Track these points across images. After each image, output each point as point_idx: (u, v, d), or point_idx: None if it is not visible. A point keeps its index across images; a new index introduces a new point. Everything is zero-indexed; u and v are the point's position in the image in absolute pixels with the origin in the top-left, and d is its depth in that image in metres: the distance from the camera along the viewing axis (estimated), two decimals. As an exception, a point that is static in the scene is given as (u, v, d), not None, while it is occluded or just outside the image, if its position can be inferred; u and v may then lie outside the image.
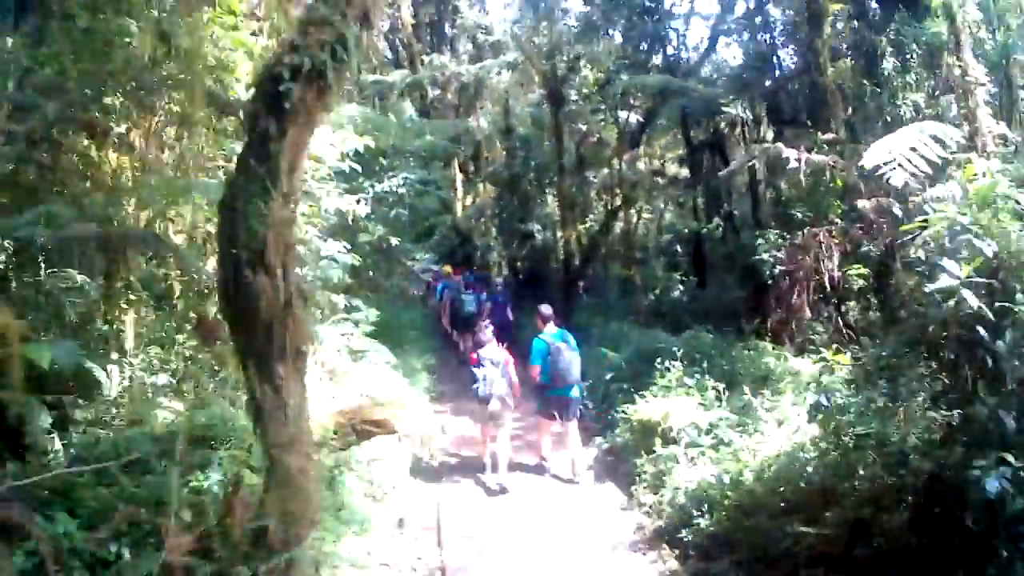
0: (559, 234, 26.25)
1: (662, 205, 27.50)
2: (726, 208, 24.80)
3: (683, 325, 17.04)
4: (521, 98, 30.20)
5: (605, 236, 21.58)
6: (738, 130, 25.58)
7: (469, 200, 34.73)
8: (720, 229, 22.75)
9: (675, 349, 12.36)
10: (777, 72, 18.91)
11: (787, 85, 18.64)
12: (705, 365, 12.06)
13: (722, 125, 26.52)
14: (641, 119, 26.83)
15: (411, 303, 24.13)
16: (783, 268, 13.71)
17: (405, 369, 14.99)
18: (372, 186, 14.80)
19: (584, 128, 26.84)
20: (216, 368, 9.30)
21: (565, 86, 22.14)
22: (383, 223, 15.98)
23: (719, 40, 24.73)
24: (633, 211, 24.25)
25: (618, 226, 22.92)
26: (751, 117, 20.68)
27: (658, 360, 12.58)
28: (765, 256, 14.08)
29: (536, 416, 11.71)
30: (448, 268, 23.56)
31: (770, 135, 19.37)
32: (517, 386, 11.13)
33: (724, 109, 18.72)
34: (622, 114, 25.78)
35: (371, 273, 18.07)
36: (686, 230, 23.25)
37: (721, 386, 11.29)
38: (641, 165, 27.21)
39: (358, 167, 11.88)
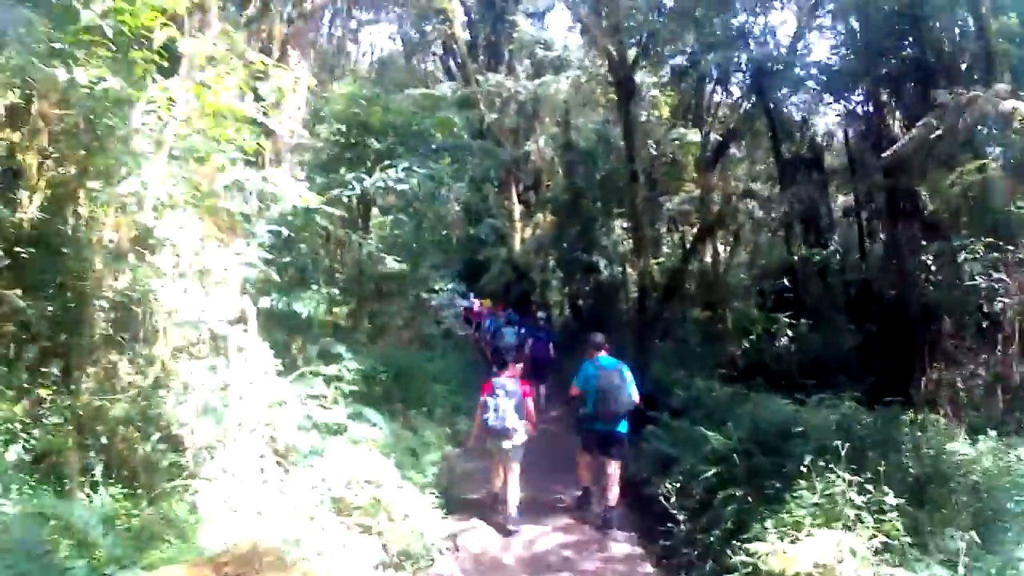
0: (628, 269, 21.20)
1: (750, 234, 21.87)
2: (828, 232, 19.65)
3: (791, 383, 12.04)
4: (584, 116, 25.46)
5: (686, 270, 15.76)
6: (839, 138, 20.57)
7: (528, 233, 29.94)
8: (837, 256, 17.43)
9: (837, 443, 6.90)
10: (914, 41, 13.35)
11: (924, 59, 13.20)
12: (882, 467, 6.70)
13: (819, 136, 21.62)
14: (720, 136, 21.90)
15: (444, 347, 19.26)
16: (1005, 299, 8.35)
17: (413, 443, 10.13)
18: (359, 180, 9.82)
19: (655, 150, 21.94)
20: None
21: (637, 73, 16.92)
22: (385, 238, 11.10)
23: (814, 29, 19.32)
24: (718, 242, 19.07)
25: (701, 259, 17.55)
26: (871, 110, 15.50)
27: (793, 449, 7.53)
28: (978, 280, 8.71)
29: (578, 451, 10.28)
30: (488, 302, 21.15)
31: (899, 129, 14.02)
32: (531, 418, 9.80)
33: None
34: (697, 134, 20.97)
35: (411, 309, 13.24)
36: (795, 258, 17.58)
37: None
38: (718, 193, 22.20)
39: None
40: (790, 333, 14.74)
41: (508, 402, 9.28)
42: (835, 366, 14.44)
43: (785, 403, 10.24)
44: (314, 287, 9.32)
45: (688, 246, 15.96)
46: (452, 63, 32.80)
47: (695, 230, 21.42)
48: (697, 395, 13.23)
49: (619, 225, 22.43)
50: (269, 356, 8.95)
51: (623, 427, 9.62)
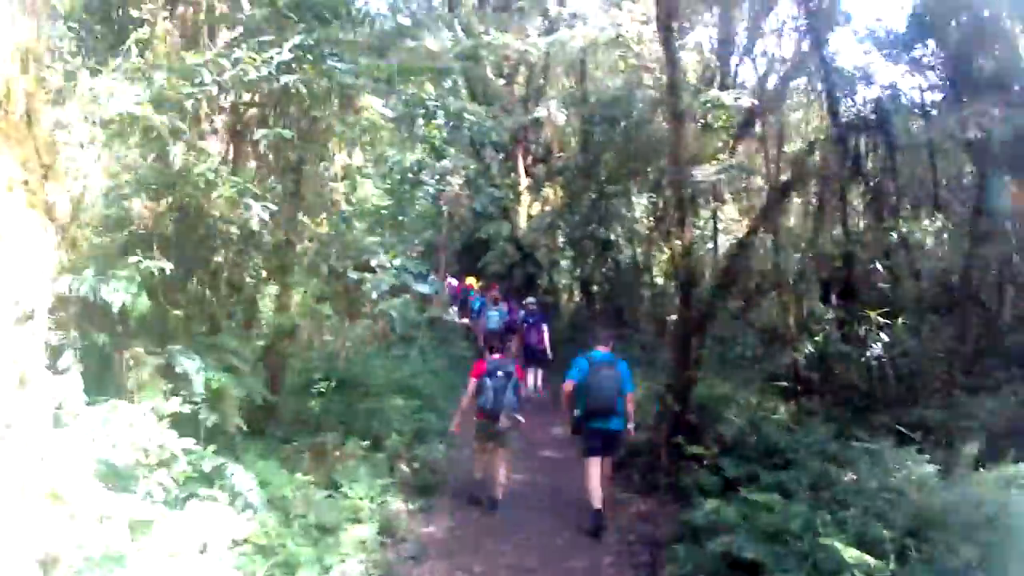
0: (651, 249, 16.87)
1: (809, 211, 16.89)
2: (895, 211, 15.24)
3: (876, 406, 8.22)
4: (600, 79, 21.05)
5: (750, 250, 10.62)
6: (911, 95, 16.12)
7: (536, 209, 25.72)
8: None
9: None
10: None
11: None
12: None
13: (885, 95, 17.09)
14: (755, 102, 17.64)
15: (428, 338, 15.25)
16: None
17: (325, 512, 6.01)
18: (216, 66, 5.34)
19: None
20: None
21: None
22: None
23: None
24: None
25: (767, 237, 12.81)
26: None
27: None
28: None
29: (581, 457, 8.49)
30: (473, 279, 19.49)
31: None
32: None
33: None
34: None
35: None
36: (865, 238, 13.06)
37: None
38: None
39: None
40: (883, 337, 10.34)
41: (506, 382, 8.41)
42: (928, 385, 10.33)
43: (921, 459, 6.12)
44: (133, 260, 5.12)
45: (756, 216, 11.01)
46: (457, 25, 28.41)
47: (724, 205, 17.14)
48: (754, 422, 9.16)
49: (639, 201, 17.98)
50: (71, 380, 4.96)
51: (618, 424, 8.30)
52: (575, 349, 14.16)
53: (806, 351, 11.43)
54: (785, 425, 9.47)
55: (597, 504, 7.98)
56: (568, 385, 8.36)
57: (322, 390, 9.24)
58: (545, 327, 15.06)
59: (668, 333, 15.78)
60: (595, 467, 8.19)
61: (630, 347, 14.69)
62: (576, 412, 8.43)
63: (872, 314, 10.38)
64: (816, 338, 11.61)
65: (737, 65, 20.43)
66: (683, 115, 10.08)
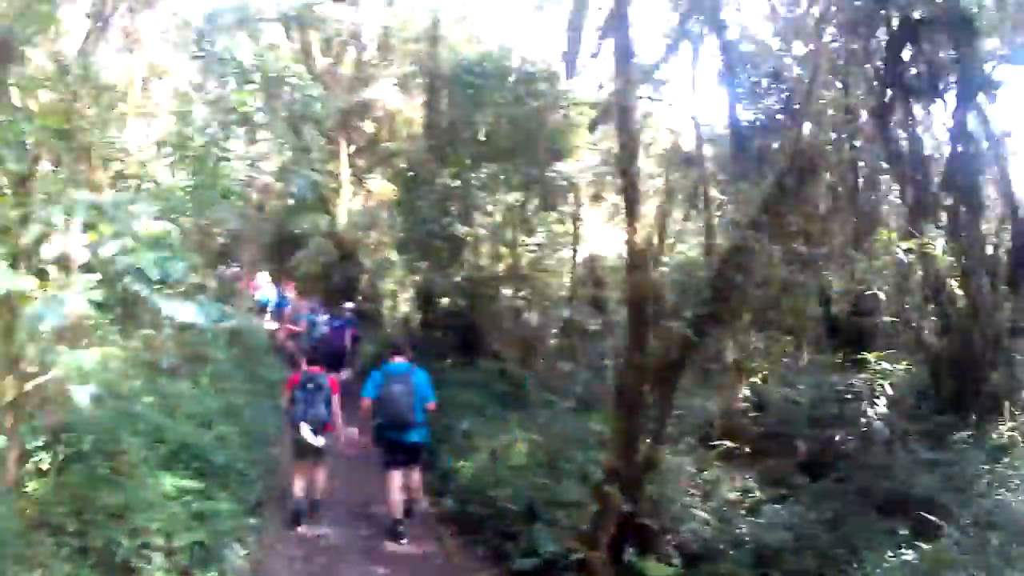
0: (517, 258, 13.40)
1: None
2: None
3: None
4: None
5: (744, 266, 6.96)
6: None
7: (361, 204, 21.97)
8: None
9: None
10: None
11: None
12: None
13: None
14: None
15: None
16: None
17: None
18: None
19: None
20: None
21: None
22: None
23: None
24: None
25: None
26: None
27: None
28: None
29: (385, 473, 8.33)
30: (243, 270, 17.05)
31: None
32: (337, 415, 8.31)
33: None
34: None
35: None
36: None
37: None
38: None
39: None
40: (887, 388, 7.20)
41: (318, 395, 8.06)
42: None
43: None
44: None
45: (760, 208, 6.92)
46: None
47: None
48: (724, 516, 6.08)
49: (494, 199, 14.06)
50: None
51: (418, 435, 8.14)
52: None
53: (745, 395, 8.40)
54: (752, 507, 6.46)
55: (397, 515, 7.91)
56: (364, 402, 8.18)
57: (44, 467, 5.16)
58: (348, 332, 13.78)
59: (535, 362, 12.39)
60: (395, 479, 8.06)
61: (491, 381, 11.28)
62: (373, 422, 8.21)
63: (871, 356, 7.36)
64: (754, 379, 8.56)
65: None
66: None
